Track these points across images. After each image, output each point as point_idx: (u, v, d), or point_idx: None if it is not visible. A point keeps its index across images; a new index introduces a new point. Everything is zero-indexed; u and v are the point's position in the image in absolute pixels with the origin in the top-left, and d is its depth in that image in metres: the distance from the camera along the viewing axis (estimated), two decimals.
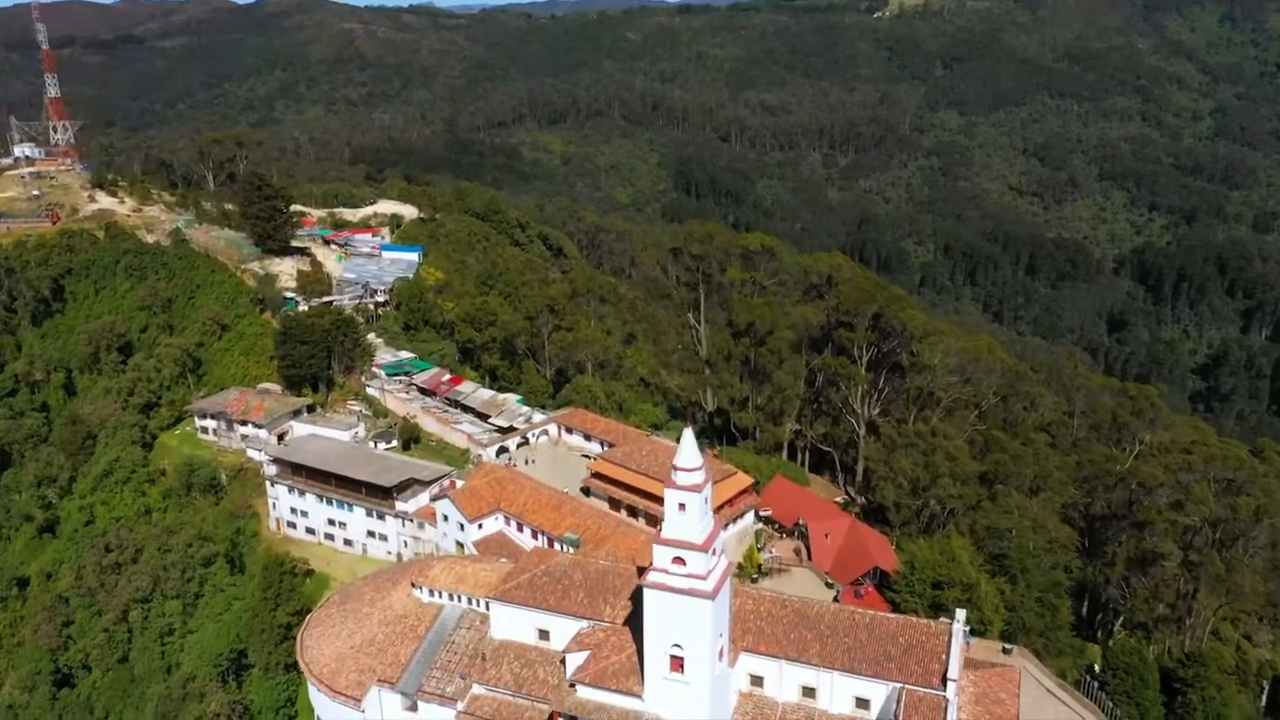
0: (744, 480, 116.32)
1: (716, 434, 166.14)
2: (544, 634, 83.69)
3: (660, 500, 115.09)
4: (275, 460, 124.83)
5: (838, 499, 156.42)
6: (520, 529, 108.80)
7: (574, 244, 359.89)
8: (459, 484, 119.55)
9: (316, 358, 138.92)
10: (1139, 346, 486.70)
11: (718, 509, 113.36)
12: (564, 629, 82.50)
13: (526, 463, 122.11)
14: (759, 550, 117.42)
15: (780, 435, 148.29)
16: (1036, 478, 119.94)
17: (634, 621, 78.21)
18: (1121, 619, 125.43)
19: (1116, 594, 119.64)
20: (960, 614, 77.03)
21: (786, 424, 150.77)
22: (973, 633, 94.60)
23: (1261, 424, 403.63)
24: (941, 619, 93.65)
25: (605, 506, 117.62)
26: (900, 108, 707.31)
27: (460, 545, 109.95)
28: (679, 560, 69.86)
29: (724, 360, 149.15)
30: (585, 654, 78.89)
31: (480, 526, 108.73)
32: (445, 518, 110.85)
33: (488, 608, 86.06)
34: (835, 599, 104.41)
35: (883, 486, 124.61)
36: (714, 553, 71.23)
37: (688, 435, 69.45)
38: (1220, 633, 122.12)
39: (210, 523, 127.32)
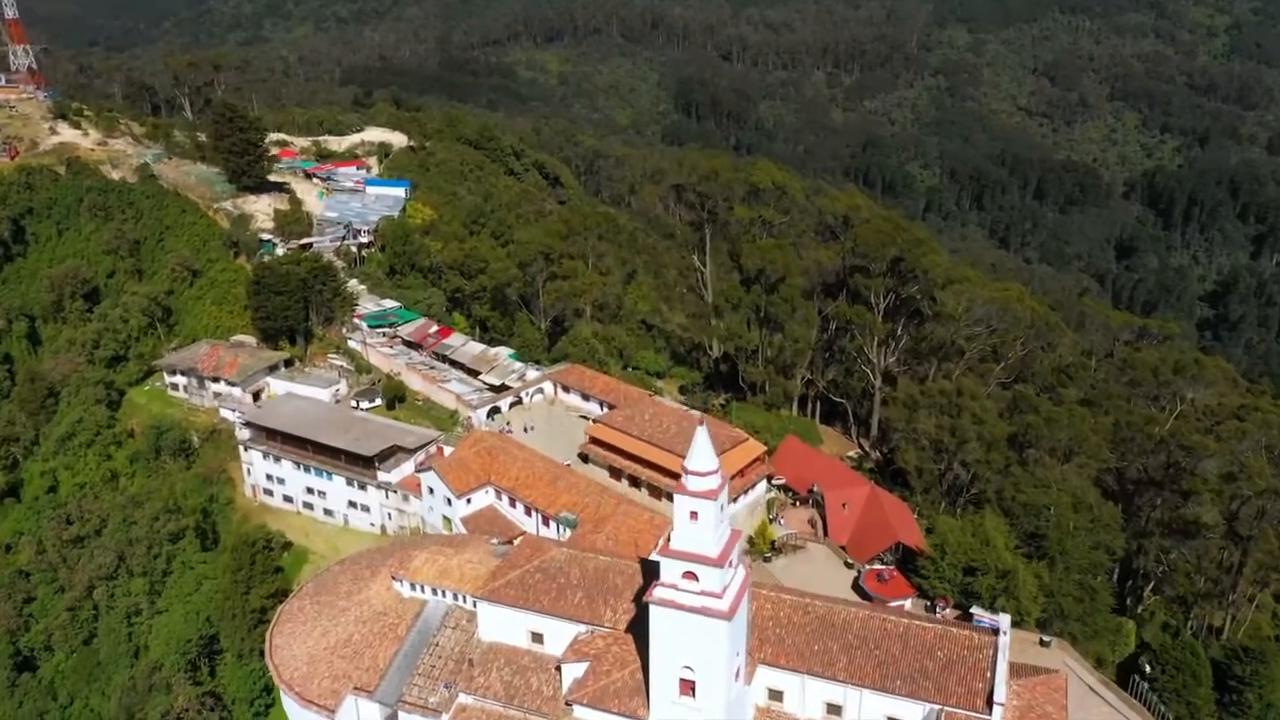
0: (755, 448, 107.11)
1: (722, 381, 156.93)
2: (537, 637, 75.39)
3: (665, 471, 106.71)
4: (248, 424, 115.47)
5: (851, 453, 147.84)
6: (513, 504, 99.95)
7: (571, 171, 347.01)
8: (447, 451, 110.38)
9: (293, 309, 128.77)
10: (1147, 274, 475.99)
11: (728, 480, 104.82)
12: (560, 632, 74.21)
13: (526, 430, 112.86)
14: (771, 522, 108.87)
15: (791, 389, 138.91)
16: (1071, 441, 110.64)
17: (637, 627, 69.76)
18: (1152, 584, 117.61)
19: (1154, 566, 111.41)
20: (1004, 621, 68.35)
21: (798, 376, 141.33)
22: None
23: (1270, 353, 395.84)
24: (978, 618, 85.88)
25: (605, 475, 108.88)
26: (907, 24, 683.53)
27: (447, 520, 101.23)
28: (690, 575, 60.75)
29: (731, 308, 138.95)
30: (584, 665, 70.60)
31: (469, 501, 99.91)
32: (431, 490, 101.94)
33: (475, 605, 77.60)
34: (856, 582, 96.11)
35: (904, 450, 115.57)
36: (731, 564, 62.06)
37: (701, 436, 59.88)
38: (1261, 605, 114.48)
39: (181, 489, 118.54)
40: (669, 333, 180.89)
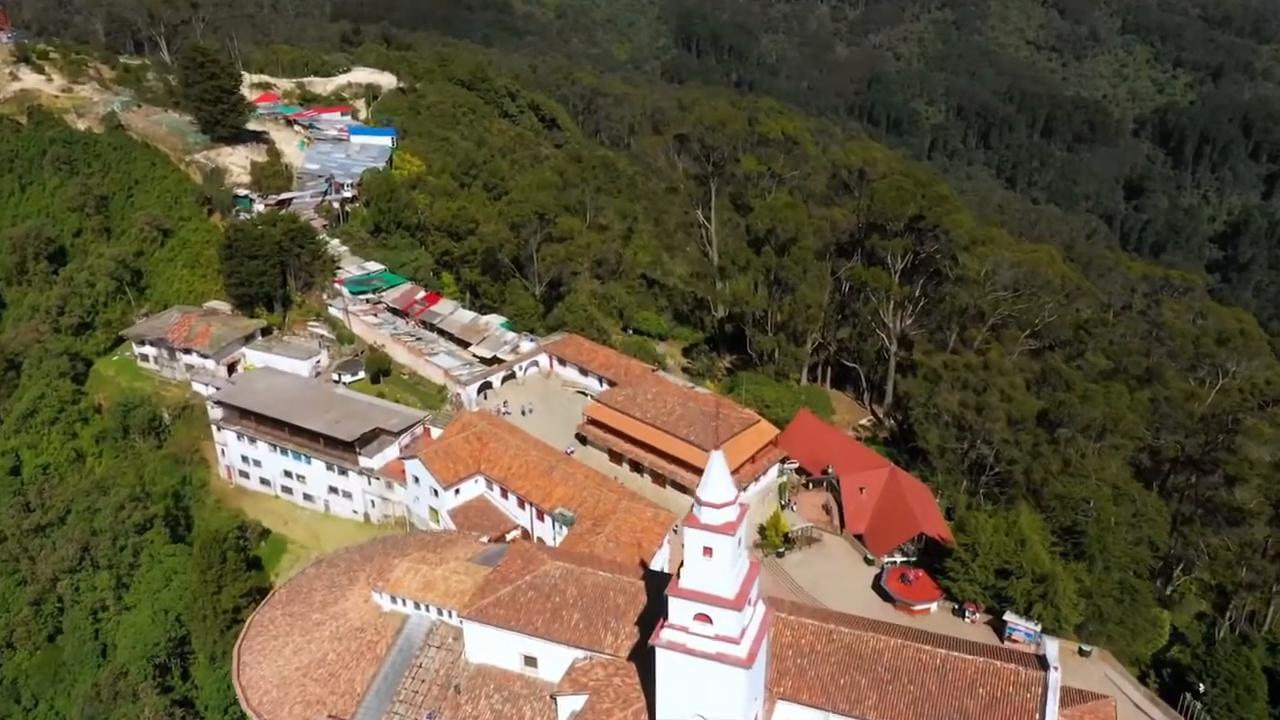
0: (768, 431, 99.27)
1: (726, 342, 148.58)
2: (530, 660, 68.10)
3: (668, 457, 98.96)
4: (220, 403, 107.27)
5: (863, 421, 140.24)
6: (505, 495, 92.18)
7: (568, 112, 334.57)
8: (435, 433, 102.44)
9: (268, 274, 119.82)
10: (1157, 214, 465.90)
11: (737, 469, 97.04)
12: (555, 655, 66.83)
13: (524, 413, 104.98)
14: (783, 507, 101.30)
15: (802, 357, 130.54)
16: (1106, 420, 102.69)
17: (641, 654, 62.33)
18: (1182, 564, 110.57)
19: (1192, 553, 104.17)
20: (1052, 650, 60.72)
21: (809, 343, 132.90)
22: (1044, 631, 79.47)
23: None
24: (1011, 624, 78.69)
25: (605, 459, 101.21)
26: None
27: (434, 512, 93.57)
28: (703, 618, 52.96)
29: (738, 270, 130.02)
30: (582, 699, 63.23)
31: (457, 492, 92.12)
32: (416, 480, 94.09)
33: (462, 620, 70.15)
34: (877, 582, 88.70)
35: (924, 428, 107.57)
36: (750, 603, 54.27)
37: (718, 463, 51.57)
38: None
39: (151, 471, 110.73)
40: (671, 288, 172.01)
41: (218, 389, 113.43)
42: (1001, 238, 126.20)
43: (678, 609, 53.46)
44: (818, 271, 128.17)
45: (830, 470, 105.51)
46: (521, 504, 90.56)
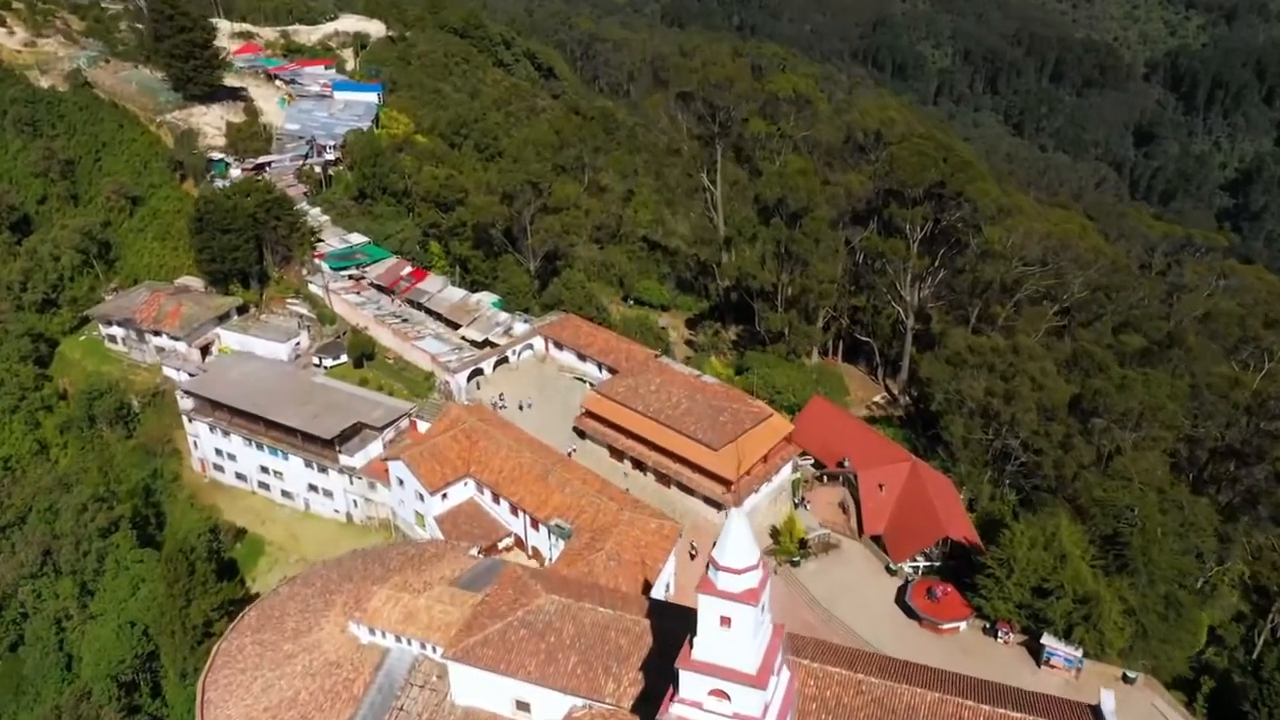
0: (781, 426, 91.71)
1: (732, 312, 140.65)
2: (523, 705, 61.29)
3: (676, 457, 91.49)
4: (190, 393, 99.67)
5: (877, 398, 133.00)
6: (496, 499, 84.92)
7: (565, 59, 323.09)
8: (421, 426, 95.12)
9: (242, 249, 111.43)
10: (1167, 161, 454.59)
11: (749, 470, 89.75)
12: (550, 702, 59.99)
13: (522, 408, 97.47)
14: (797, 505, 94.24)
15: (816, 336, 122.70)
16: (1144, 409, 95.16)
17: (646, 707, 55.40)
18: (1216, 558, 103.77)
19: (1238, 553, 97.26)
20: (1108, 703, 53.72)
21: (822, 320, 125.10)
22: (1085, 655, 72.89)
23: None
24: (1049, 648, 71.86)
25: (605, 454, 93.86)
26: None
27: (420, 517, 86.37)
28: (720, 693, 45.80)
29: (746, 240, 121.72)
30: None
31: (444, 497, 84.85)
32: (401, 482, 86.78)
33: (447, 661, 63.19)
34: (901, 595, 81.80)
35: (948, 418, 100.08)
36: (775, 673, 47.04)
37: (738, 524, 43.95)
38: None
39: (120, 464, 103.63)
40: (674, 251, 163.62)
41: (190, 375, 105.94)
42: (1028, 206, 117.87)
43: (690, 683, 46.31)
44: (831, 241, 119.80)
45: (846, 463, 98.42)
46: (514, 511, 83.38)
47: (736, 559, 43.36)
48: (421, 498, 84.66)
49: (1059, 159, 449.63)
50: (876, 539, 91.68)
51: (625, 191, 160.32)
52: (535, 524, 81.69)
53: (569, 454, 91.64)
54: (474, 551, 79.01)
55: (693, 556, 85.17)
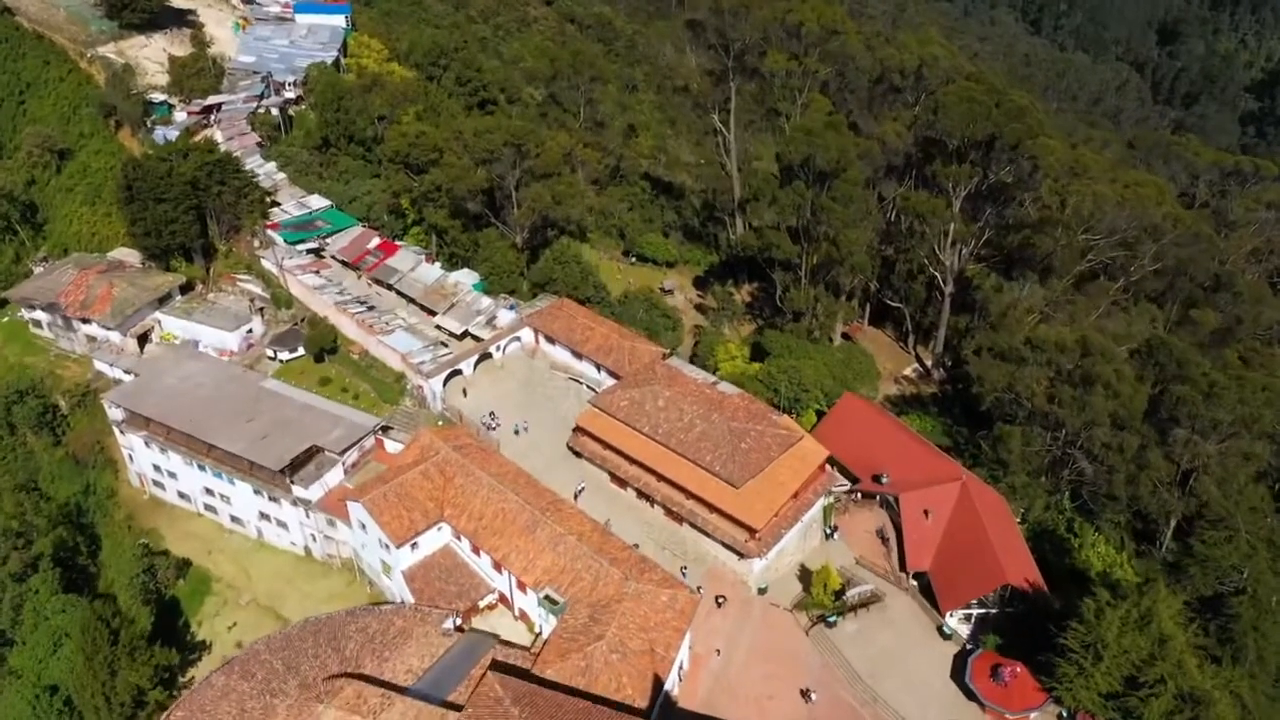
0: (814, 452, 77.83)
1: (745, 268, 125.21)
2: None
3: (690, 494, 77.51)
4: (118, 405, 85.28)
5: (908, 371, 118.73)
6: (476, 550, 71.29)
7: None
8: (390, 445, 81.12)
9: (180, 221, 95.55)
10: (1191, 61, 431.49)
11: (778, 511, 75.89)
12: None
13: (517, 432, 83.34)
14: (828, 537, 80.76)
15: (845, 314, 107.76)
16: (1237, 421, 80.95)
17: None
18: None
19: None
20: None
21: (849, 290, 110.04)
22: None
23: None
24: None
25: (605, 478, 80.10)
26: None
27: (387, 567, 72.83)
28: None
29: (768, 204, 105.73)
30: None
31: (414, 547, 71.20)
32: (364, 527, 72.98)
33: None
34: (960, 668, 68.78)
35: (1006, 435, 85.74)
36: None
37: None
38: None
39: (46, 477, 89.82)
40: (679, 191, 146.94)
41: (125, 373, 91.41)
42: (1095, 164, 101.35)
43: None
44: (863, 203, 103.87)
45: (884, 479, 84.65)
46: (497, 567, 69.82)
47: None
48: (387, 547, 71.02)
49: (1079, 59, 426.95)
50: (920, 576, 78.73)
51: (626, 126, 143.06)
52: (522, 586, 68.23)
53: (577, 492, 77.77)
54: (449, 625, 65.76)
55: (720, 604, 72.37)
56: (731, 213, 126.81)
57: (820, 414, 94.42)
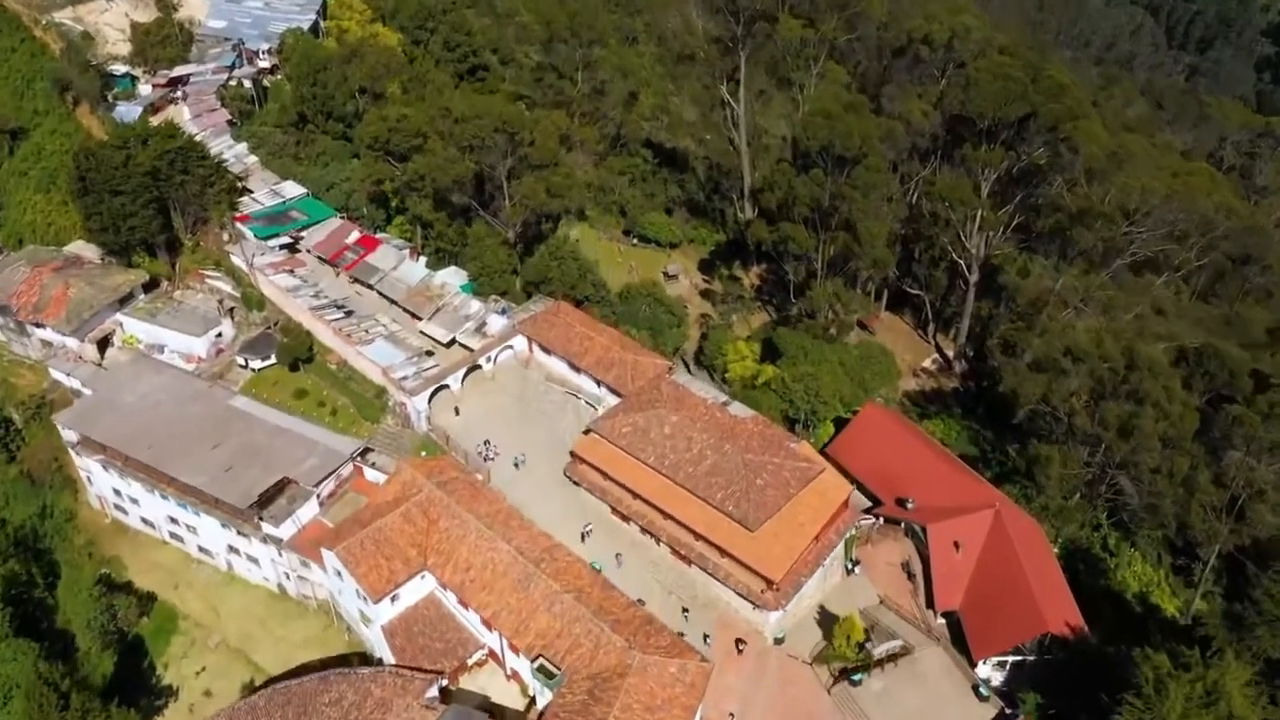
0: (837, 488, 70.77)
1: (755, 250, 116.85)
2: None
3: (700, 536, 70.27)
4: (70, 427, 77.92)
5: (927, 363, 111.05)
6: (464, 603, 64.38)
7: None
8: (370, 474, 73.99)
9: (140, 215, 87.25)
10: (1207, 4, 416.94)
11: (799, 555, 68.80)
12: None
13: (516, 464, 75.91)
14: (849, 572, 73.95)
15: (864, 308, 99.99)
16: None
17: None
18: None
19: None
20: None
21: (866, 287, 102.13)
22: None
23: None
24: None
25: (606, 509, 73.01)
26: None
27: (366, 618, 66.03)
28: None
29: (782, 194, 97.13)
30: None
31: (395, 599, 64.32)
32: (339, 574, 66.00)
33: None
34: None
35: (1044, 457, 78.38)
36: None
37: None
38: None
39: None
40: (683, 158, 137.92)
41: (82, 385, 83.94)
42: (1139, 149, 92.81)
43: None
44: (885, 187, 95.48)
45: (910, 504, 77.62)
46: (488, 625, 62.96)
47: None
48: (365, 598, 64.12)
49: (1092, 3, 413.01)
50: (949, 617, 72.16)
51: (627, 94, 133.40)
52: (515, 648, 61.45)
53: (584, 532, 70.78)
54: (433, 693, 59.04)
55: (740, 650, 65.89)
56: (740, 192, 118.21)
57: (840, 421, 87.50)
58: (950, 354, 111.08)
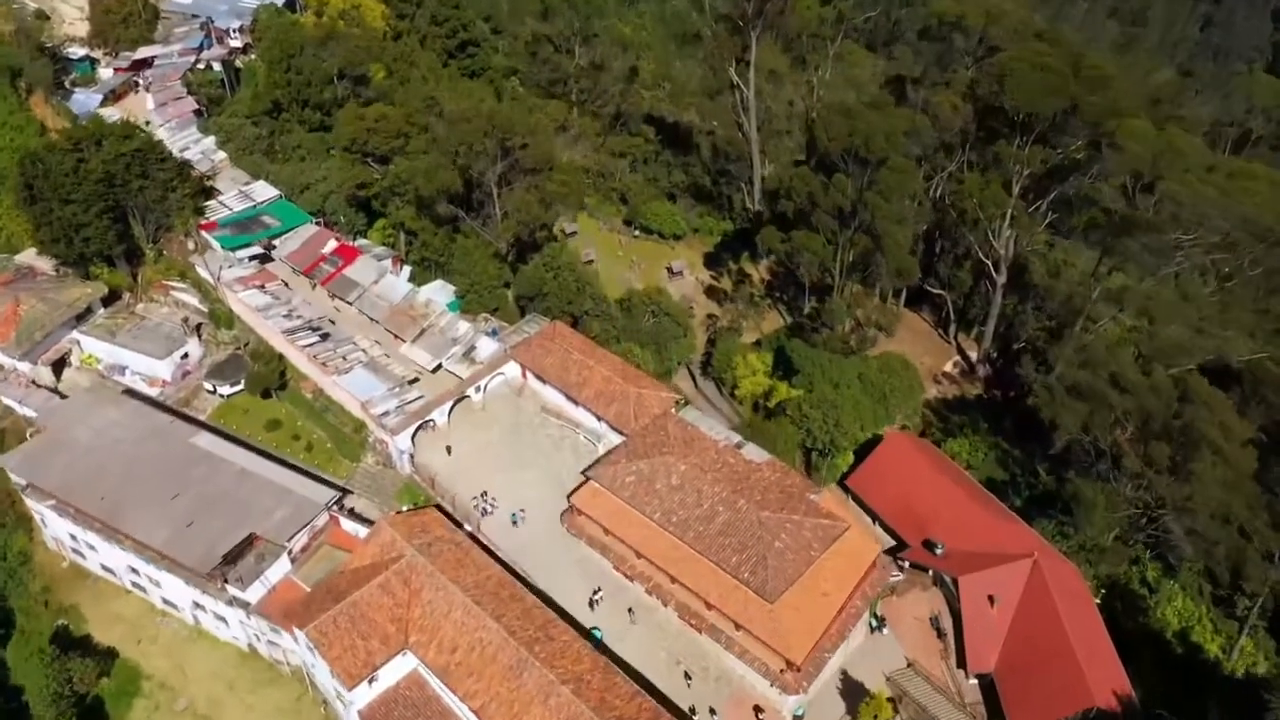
0: (864, 550, 63.83)
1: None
2: None
3: (720, 610, 62.79)
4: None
5: (948, 366, 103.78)
6: (450, 689, 57.79)
7: None
8: (348, 525, 67.18)
9: (94, 225, 79.42)
10: None
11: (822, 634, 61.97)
12: None
13: (515, 521, 68.73)
14: (874, 629, 67.45)
15: (890, 320, 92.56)
16: None
17: None
18: None
19: None
20: None
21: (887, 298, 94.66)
22: None
23: None
24: None
25: (611, 568, 66.23)
26: None
27: (340, 698, 59.61)
28: None
29: (798, 199, 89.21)
30: None
31: (373, 681, 57.81)
32: (312, 651, 59.42)
33: None
34: None
35: (1087, 501, 71.43)
36: None
37: None
38: None
39: None
40: (684, 131, 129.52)
41: (34, 415, 76.78)
42: (1190, 147, 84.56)
43: None
44: (911, 188, 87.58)
45: (939, 549, 70.96)
46: (478, 715, 56.43)
47: None
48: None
49: None
50: (981, 679, 65.90)
51: (628, 70, 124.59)
52: None
53: (593, 599, 64.10)
54: None
55: (758, 716, 59.81)
56: (749, 179, 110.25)
57: (861, 448, 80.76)
58: (974, 356, 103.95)
